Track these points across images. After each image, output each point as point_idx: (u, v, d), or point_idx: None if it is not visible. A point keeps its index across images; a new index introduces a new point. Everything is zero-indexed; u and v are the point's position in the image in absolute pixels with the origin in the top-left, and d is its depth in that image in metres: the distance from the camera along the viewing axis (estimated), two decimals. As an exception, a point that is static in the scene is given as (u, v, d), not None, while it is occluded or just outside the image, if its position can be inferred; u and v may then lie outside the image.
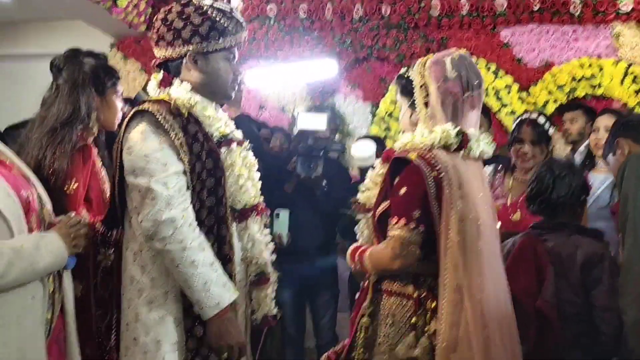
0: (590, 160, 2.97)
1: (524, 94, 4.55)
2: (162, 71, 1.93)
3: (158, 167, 1.74)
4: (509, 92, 4.54)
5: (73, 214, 1.84)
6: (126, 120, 1.85)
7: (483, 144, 1.85)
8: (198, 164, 1.80)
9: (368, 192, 2.01)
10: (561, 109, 3.93)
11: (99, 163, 2.23)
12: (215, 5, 1.88)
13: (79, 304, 1.83)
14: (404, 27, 4.71)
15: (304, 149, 3.25)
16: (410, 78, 1.91)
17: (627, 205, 1.89)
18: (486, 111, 3.53)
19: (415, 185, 1.75)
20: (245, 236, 1.93)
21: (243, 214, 1.92)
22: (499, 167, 2.77)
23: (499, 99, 4.56)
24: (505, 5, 4.56)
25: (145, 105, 1.81)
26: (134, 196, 1.78)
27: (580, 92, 4.48)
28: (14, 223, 1.60)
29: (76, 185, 2.05)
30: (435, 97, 1.82)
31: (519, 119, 2.71)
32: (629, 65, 4.39)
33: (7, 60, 5.56)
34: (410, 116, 1.93)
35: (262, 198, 2.00)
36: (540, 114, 2.70)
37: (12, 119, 3.04)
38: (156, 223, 1.70)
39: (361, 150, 3.01)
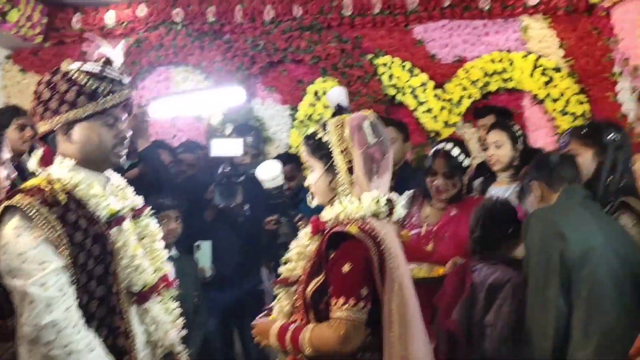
0: (491, 173, 3.00)
1: (439, 91, 4.58)
2: (42, 148, 1.81)
3: (34, 266, 1.61)
4: (424, 90, 4.56)
5: None
6: None
7: (400, 208, 1.84)
8: (82, 255, 1.67)
9: (292, 264, 1.91)
10: (476, 113, 3.97)
11: None
12: (82, 68, 1.76)
13: None
14: (317, 28, 4.61)
15: (220, 176, 3.14)
16: (323, 139, 1.84)
17: (529, 259, 1.93)
18: (403, 126, 3.51)
19: (360, 261, 1.69)
20: (147, 319, 1.81)
21: (142, 297, 1.80)
22: (416, 194, 2.77)
23: (415, 97, 4.57)
24: (416, 2, 4.54)
25: (17, 200, 1.66)
26: (13, 297, 1.65)
27: (493, 87, 4.56)
28: None
29: None
30: (359, 163, 1.78)
31: (434, 149, 2.69)
32: (538, 58, 4.50)
33: None
34: (330, 182, 1.84)
35: (166, 269, 1.90)
36: (455, 144, 2.67)
37: None
38: (37, 328, 1.58)
39: (266, 173, 2.92)
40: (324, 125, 1.88)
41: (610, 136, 2.16)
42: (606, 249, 1.82)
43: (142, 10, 4.65)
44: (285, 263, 1.94)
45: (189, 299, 3.11)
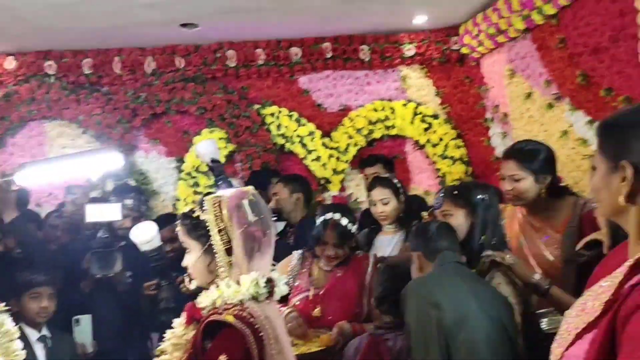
0: (375, 224, 3.07)
1: (327, 140, 4.65)
2: None
3: None
4: (312, 139, 4.61)
5: None
6: None
7: (282, 285, 1.77)
8: None
9: (167, 356, 1.79)
10: (362, 162, 4.05)
11: None
12: None
13: None
14: (201, 79, 4.54)
15: (97, 243, 2.95)
16: (200, 218, 1.77)
17: (410, 329, 1.96)
18: (302, 181, 3.52)
19: (237, 351, 1.61)
20: None
21: None
22: (305, 255, 2.74)
23: (304, 145, 4.61)
24: (300, 54, 4.60)
25: None
26: None
27: (377, 134, 4.70)
28: None
29: None
30: (239, 243, 1.71)
31: (322, 219, 2.67)
32: (417, 105, 4.71)
33: None
34: (209, 264, 1.75)
35: None
36: (342, 213, 2.67)
37: None
38: None
39: (140, 235, 2.79)
40: (201, 204, 1.81)
41: (479, 196, 2.26)
42: (479, 313, 1.87)
43: (10, 63, 4.35)
44: (160, 355, 1.81)
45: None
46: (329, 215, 2.65)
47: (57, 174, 3.46)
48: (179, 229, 1.81)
